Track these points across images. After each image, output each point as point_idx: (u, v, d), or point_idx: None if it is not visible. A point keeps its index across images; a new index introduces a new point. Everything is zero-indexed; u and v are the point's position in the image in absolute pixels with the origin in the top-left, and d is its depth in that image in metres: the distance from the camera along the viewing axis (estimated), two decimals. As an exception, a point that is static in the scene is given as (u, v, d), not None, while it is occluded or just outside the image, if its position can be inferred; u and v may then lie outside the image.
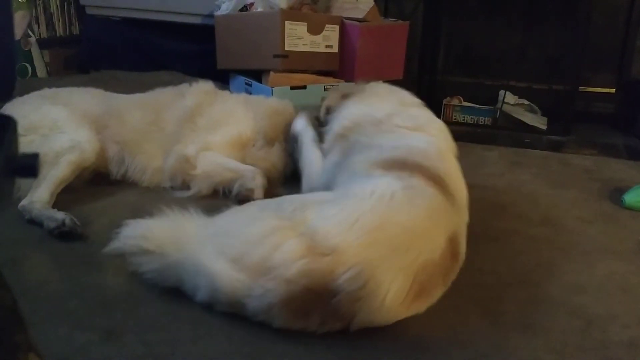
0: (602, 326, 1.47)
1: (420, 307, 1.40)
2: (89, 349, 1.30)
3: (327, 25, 2.93)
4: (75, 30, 3.96)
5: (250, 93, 2.85)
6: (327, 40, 2.94)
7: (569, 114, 3.31)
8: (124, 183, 2.22)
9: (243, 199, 2.05)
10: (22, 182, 1.94)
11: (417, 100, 1.96)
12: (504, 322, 1.47)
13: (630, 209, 2.21)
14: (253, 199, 2.01)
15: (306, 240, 1.31)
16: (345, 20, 2.99)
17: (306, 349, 1.32)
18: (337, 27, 2.97)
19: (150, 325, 1.38)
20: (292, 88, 2.78)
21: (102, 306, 1.44)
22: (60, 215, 1.82)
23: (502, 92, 3.42)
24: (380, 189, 1.42)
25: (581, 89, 3.35)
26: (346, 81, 2.93)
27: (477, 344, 1.38)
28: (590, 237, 1.98)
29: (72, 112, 2.15)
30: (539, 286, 1.65)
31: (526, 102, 3.52)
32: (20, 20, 3.55)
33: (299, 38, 2.82)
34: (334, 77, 2.98)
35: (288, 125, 2.29)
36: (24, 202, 1.89)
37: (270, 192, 2.10)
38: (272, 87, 2.75)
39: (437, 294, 1.42)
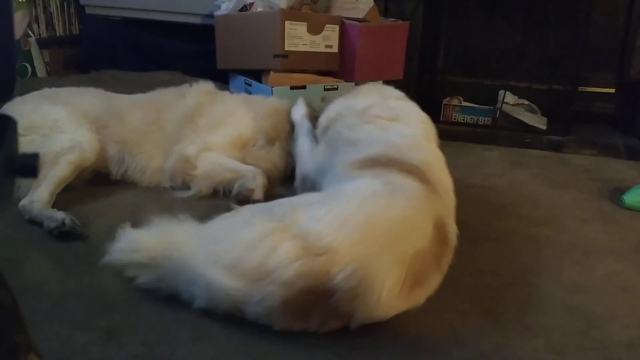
0: (602, 326, 1.47)
1: (419, 297, 1.41)
2: (89, 349, 1.30)
3: (327, 25, 2.92)
4: (75, 30, 3.96)
5: (250, 93, 2.85)
6: (327, 40, 2.94)
7: (569, 114, 3.31)
8: (123, 183, 2.22)
9: (243, 199, 2.05)
10: (22, 182, 1.93)
11: (399, 94, 1.99)
12: (504, 322, 1.47)
13: (630, 209, 2.22)
14: (253, 199, 2.01)
15: (300, 242, 1.32)
16: (345, 20, 2.99)
17: (306, 349, 1.32)
18: (337, 27, 2.96)
19: (150, 325, 1.38)
20: (292, 88, 2.78)
21: (102, 306, 1.44)
22: (60, 215, 1.82)
23: (502, 92, 3.42)
24: (361, 189, 1.46)
25: (581, 89, 3.35)
26: (346, 81, 2.93)
27: (477, 344, 1.38)
28: (590, 237, 1.98)
29: (72, 112, 2.15)
30: (539, 286, 1.65)
31: (526, 102, 3.51)
32: (20, 20, 3.54)
33: (298, 38, 2.82)
34: (334, 77, 2.98)
35: (289, 123, 2.31)
36: (24, 202, 1.89)
37: (271, 191, 2.10)
38: (272, 87, 2.75)
39: (433, 281, 1.43)
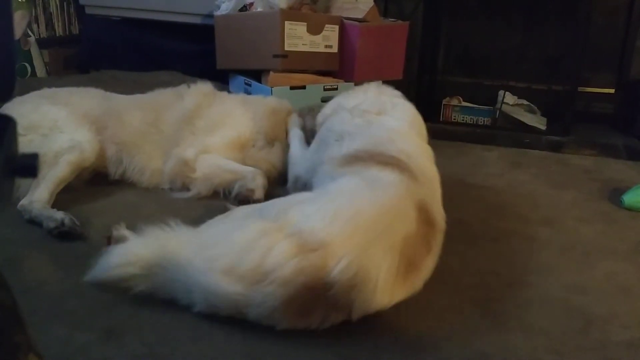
0: (602, 326, 1.47)
1: (416, 282, 1.44)
2: (89, 349, 1.30)
3: (326, 25, 2.92)
4: (75, 30, 3.96)
5: (250, 93, 2.85)
6: (327, 40, 2.94)
7: (569, 114, 3.31)
8: (123, 183, 2.22)
9: (243, 199, 2.05)
10: (21, 182, 1.93)
11: (395, 93, 2.05)
12: (504, 322, 1.47)
13: (629, 209, 2.22)
14: (254, 200, 2.01)
15: (295, 240, 1.33)
16: (345, 20, 2.99)
17: (306, 348, 1.32)
18: (336, 27, 2.96)
19: (150, 325, 1.38)
20: (292, 88, 2.78)
21: (102, 306, 1.44)
22: (59, 215, 1.82)
23: (501, 92, 3.42)
24: (343, 186, 1.52)
25: (581, 89, 3.36)
26: (346, 81, 2.93)
27: (477, 344, 1.38)
28: (590, 237, 1.98)
29: (72, 112, 2.15)
30: (539, 286, 1.65)
31: (525, 102, 3.52)
32: (19, 20, 3.54)
33: (298, 38, 2.82)
34: (334, 77, 2.98)
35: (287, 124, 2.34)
36: (23, 202, 1.89)
37: (271, 192, 2.10)
38: (272, 87, 2.75)
39: (427, 264, 1.47)
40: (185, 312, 1.40)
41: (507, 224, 2.06)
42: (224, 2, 3.15)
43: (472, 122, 3.48)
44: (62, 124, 2.08)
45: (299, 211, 1.42)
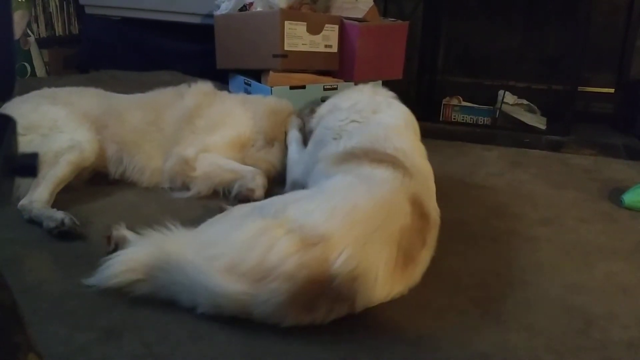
0: (602, 326, 1.47)
1: (414, 274, 1.49)
2: (89, 349, 1.30)
3: (326, 25, 2.92)
4: (75, 29, 3.96)
5: (250, 93, 2.85)
6: (327, 40, 2.94)
7: (569, 114, 3.31)
8: (123, 183, 2.22)
9: (243, 199, 2.05)
10: (21, 182, 1.93)
11: (389, 93, 2.09)
12: (504, 322, 1.47)
13: (629, 208, 2.21)
14: (254, 199, 2.01)
15: (296, 235, 1.35)
16: (345, 20, 2.99)
17: (306, 348, 1.32)
18: (336, 27, 2.96)
19: (150, 325, 1.38)
20: (292, 88, 2.78)
21: (102, 306, 1.44)
22: (59, 214, 1.82)
23: (501, 92, 3.42)
24: (338, 183, 1.57)
25: (581, 89, 3.36)
26: (345, 81, 2.93)
27: (477, 344, 1.38)
28: (589, 237, 1.98)
29: (72, 112, 2.14)
30: (539, 286, 1.65)
31: (525, 102, 3.52)
32: (19, 19, 3.54)
33: (298, 38, 2.82)
34: (334, 77, 2.98)
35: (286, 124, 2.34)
36: (23, 202, 1.89)
37: (270, 191, 2.10)
38: (272, 87, 2.75)
39: (423, 257, 1.52)
40: (185, 312, 1.40)
41: (507, 224, 2.06)
42: (223, 2, 3.15)
43: (472, 122, 3.48)
44: (62, 124, 2.08)
45: (297, 208, 1.44)
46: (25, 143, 1.98)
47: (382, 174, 1.57)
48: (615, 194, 2.33)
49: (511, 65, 3.53)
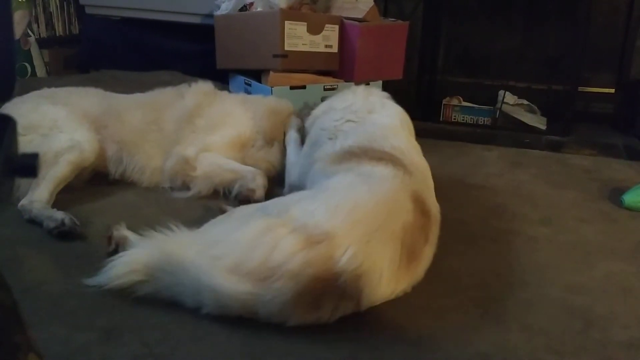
0: (602, 326, 1.47)
1: (418, 271, 1.50)
2: (89, 349, 1.30)
3: (326, 25, 2.92)
4: (75, 29, 3.96)
5: (250, 93, 2.85)
6: (327, 40, 2.94)
7: (569, 114, 3.31)
8: (123, 183, 2.22)
9: (244, 199, 2.05)
10: (21, 182, 1.93)
11: (383, 94, 2.09)
12: (504, 322, 1.47)
13: (629, 209, 2.21)
14: (254, 199, 2.01)
15: (300, 234, 1.35)
16: (345, 20, 2.99)
17: (307, 348, 1.32)
18: (336, 27, 2.96)
19: (150, 325, 1.38)
20: (292, 88, 2.78)
21: (102, 306, 1.44)
22: (59, 214, 1.82)
23: (501, 92, 3.42)
24: (340, 182, 1.57)
25: (581, 89, 3.36)
26: (346, 81, 2.93)
27: (477, 344, 1.38)
28: (589, 237, 1.98)
29: (72, 112, 2.15)
30: (539, 286, 1.65)
31: (525, 102, 3.52)
32: (19, 19, 3.54)
33: (298, 38, 2.82)
34: (334, 77, 2.97)
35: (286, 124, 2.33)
36: (23, 202, 1.89)
37: (270, 192, 2.10)
38: (272, 87, 2.75)
39: (426, 253, 1.53)
40: (185, 312, 1.40)
41: (507, 224, 2.06)
42: (224, 2, 3.15)
43: (472, 122, 3.48)
44: (62, 124, 2.08)
45: (300, 207, 1.45)
46: (25, 143, 1.98)
47: (382, 171, 1.58)
48: (615, 194, 2.33)
49: (511, 65, 3.53)
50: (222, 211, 1.76)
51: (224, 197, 2.13)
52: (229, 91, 2.73)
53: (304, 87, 2.81)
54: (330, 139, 1.88)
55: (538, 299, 1.58)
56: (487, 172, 2.63)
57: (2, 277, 0.79)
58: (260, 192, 2.06)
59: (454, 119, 3.50)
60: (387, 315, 1.44)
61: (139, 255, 1.44)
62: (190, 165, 2.15)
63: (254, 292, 1.32)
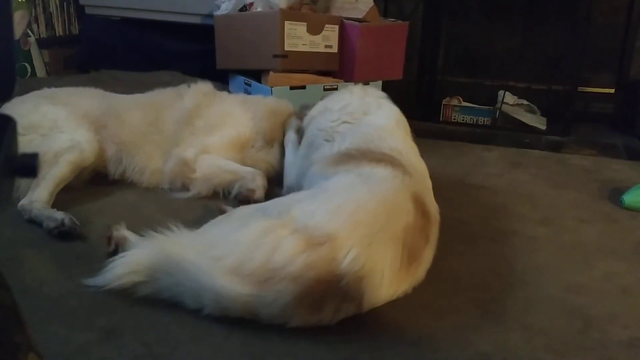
0: (602, 326, 1.47)
1: (419, 272, 1.50)
2: (89, 349, 1.30)
3: (326, 25, 2.92)
4: (75, 30, 3.96)
5: (250, 93, 2.85)
6: (327, 40, 2.94)
7: (569, 114, 3.31)
8: (123, 183, 2.22)
9: (243, 199, 2.05)
10: (21, 182, 1.93)
11: (380, 94, 2.09)
12: (504, 322, 1.47)
13: (629, 209, 2.21)
14: (254, 200, 2.01)
15: (302, 235, 1.34)
16: (345, 20, 2.99)
17: (306, 348, 1.32)
18: (336, 27, 2.96)
19: (150, 325, 1.38)
20: (292, 88, 2.78)
21: (102, 306, 1.44)
22: (59, 215, 1.82)
23: (501, 92, 3.42)
24: (340, 183, 1.57)
25: (581, 89, 3.35)
26: (346, 81, 2.92)
27: (477, 344, 1.38)
28: (589, 237, 1.98)
29: (72, 112, 2.15)
30: (539, 286, 1.65)
31: (525, 102, 3.52)
32: (19, 19, 3.54)
33: (298, 38, 2.82)
34: (334, 77, 2.97)
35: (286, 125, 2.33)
36: (23, 202, 1.89)
37: (270, 192, 2.10)
38: (272, 87, 2.75)
39: (426, 255, 1.52)
40: (185, 313, 1.40)
41: (507, 224, 2.06)
42: (223, 2, 3.15)
43: (472, 122, 3.48)
44: (61, 124, 2.08)
45: (301, 208, 1.44)
46: (25, 143, 1.98)
47: (382, 173, 1.58)
48: (615, 194, 2.33)
49: (511, 65, 3.53)
50: (222, 211, 1.76)
51: (223, 198, 2.13)
52: (229, 91, 2.73)
53: (304, 87, 2.81)
54: (327, 140, 1.88)
55: (538, 299, 1.58)
56: (487, 172, 2.63)
57: (2, 277, 0.79)
58: (259, 193, 2.06)
59: (454, 119, 3.50)
60: (387, 316, 1.44)
61: (139, 256, 1.44)
62: (190, 168, 2.15)
63: (255, 294, 1.31)
